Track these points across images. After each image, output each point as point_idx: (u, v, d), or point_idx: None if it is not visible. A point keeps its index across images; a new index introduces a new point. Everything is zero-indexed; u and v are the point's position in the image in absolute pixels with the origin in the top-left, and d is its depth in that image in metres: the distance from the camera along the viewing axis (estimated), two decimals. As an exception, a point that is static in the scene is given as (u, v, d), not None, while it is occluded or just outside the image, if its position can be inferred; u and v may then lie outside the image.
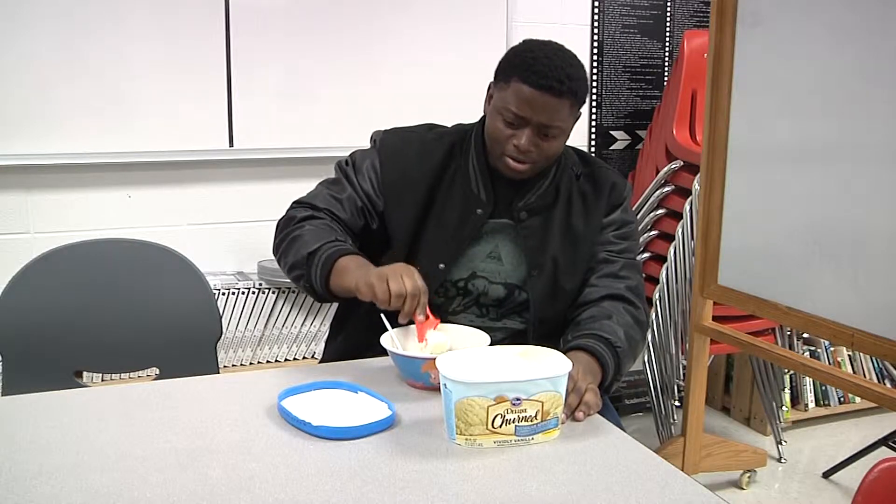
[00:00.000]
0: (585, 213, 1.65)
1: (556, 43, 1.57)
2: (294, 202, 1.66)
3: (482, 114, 1.67)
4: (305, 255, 1.51)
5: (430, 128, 1.72)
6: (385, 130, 1.71)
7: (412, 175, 1.63)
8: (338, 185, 1.66)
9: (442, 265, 1.60)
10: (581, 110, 1.59)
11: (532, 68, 1.49)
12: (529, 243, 1.62)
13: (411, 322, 1.46)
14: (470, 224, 1.61)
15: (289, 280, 1.59)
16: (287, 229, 1.59)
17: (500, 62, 1.57)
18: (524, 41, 1.58)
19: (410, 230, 1.61)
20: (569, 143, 1.73)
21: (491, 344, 1.44)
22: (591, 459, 1.16)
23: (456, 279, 1.63)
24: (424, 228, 1.62)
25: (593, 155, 3.20)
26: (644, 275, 2.87)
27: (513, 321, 1.65)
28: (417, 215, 1.61)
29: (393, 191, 1.63)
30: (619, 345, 1.53)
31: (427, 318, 1.44)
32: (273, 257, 1.63)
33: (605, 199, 1.66)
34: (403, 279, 1.39)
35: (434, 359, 1.33)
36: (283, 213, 1.64)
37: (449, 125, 1.74)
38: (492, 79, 1.60)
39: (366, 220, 1.65)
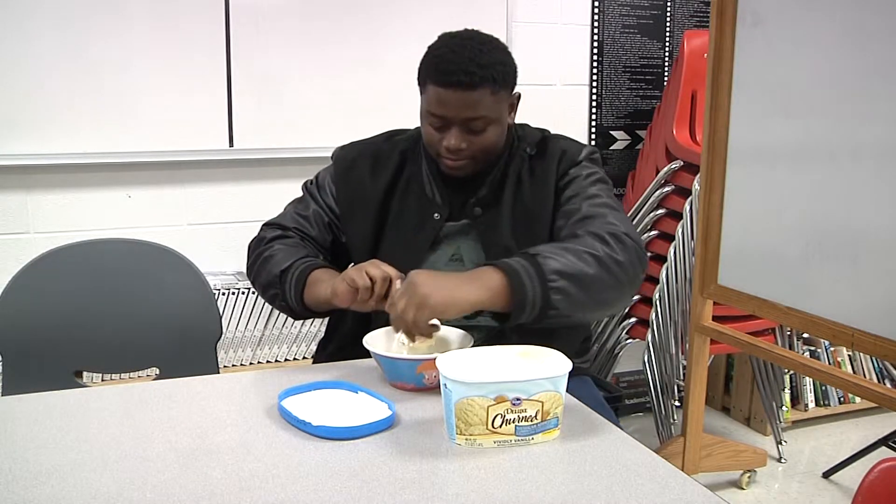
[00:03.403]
0: (535, 187, 1.58)
1: (469, 32, 1.54)
2: (264, 224, 1.68)
3: None
4: (278, 273, 1.53)
5: (388, 137, 1.71)
6: (342, 146, 1.71)
7: (365, 188, 1.63)
8: (303, 203, 1.68)
9: (404, 276, 1.59)
10: (516, 90, 1.55)
11: (439, 67, 1.47)
12: (487, 238, 1.59)
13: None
14: (428, 230, 1.60)
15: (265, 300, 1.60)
16: (258, 250, 1.62)
17: (419, 64, 1.55)
18: (439, 37, 1.56)
19: (368, 244, 1.61)
20: (535, 127, 1.71)
21: (474, 344, 1.42)
22: (591, 459, 1.16)
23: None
24: (382, 241, 1.61)
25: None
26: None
27: (487, 319, 1.60)
28: (373, 229, 1.61)
29: (347, 206, 1.64)
30: (536, 251, 1.36)
31: None
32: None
33: (556, 166, 1.58)
34: (368, 270, 1.39)
35: (425, 359, 1.34)
36: (255, 235, 1.67)
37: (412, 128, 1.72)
38: None
39: (334, 235, 1.66)
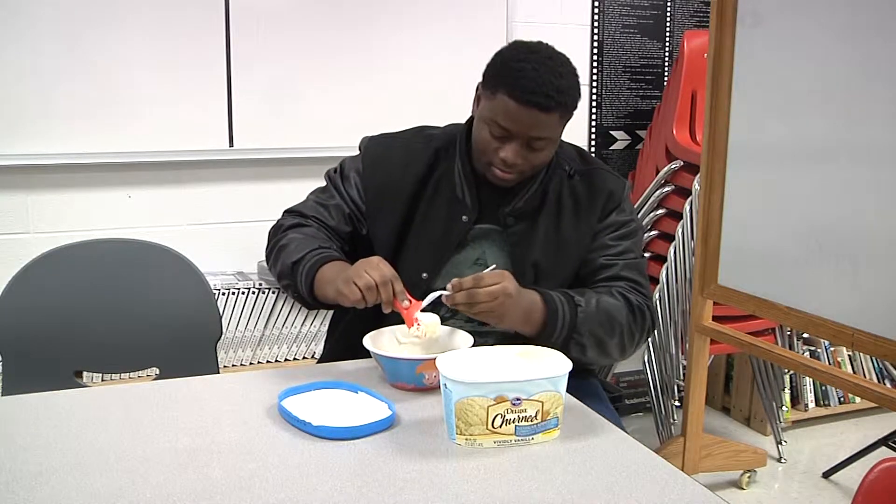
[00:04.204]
0: (576, 217, 1.60)
1: (546, 48, 1.51)
2: (285, 211, 1.67)
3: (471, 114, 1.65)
4: (290, 264, 1.52)
5: (419, 132, 1.69)
6: (371, 137, 1.69)
7: (394, 183, 1.61)
8: (326, 193, 1.66)
9: (425, 274, 1.58)
10: (573, 112, 1.54)
11: (519, 83, 1.44)
12: (515, 249, 1.58)
13: (389, 323, 1.45)
14: (455, 231, 1.59)
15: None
16: (275, 238, 1.61)
17: (489, 66, 1.52)
18: (514, 45, 1.53)
19: (392, 240, 1.60)
20: (569, 143, 1.72)
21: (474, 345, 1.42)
22: (591, 459, 1.16)
23: (441, 288, 1.61)
24: (407, 237, 1.60)
25: (594, 156, 3.20)
26: (644, 275, 2.90)
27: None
28: (399, 224, 1.60)
29: (374, 200, 1.62)
30: (581, 304, 1.48)
31: (410, 302, 1.42)
32: None
33: (601, 205, 1.61)
34: (368, 273, 1.38)
35: (425, 359, 1.34)
36: (275, 222, 1.66)
37: (443, 125, 1.71)
38: (480, 79, 1.55)
39: (354, 227, 1.64)
